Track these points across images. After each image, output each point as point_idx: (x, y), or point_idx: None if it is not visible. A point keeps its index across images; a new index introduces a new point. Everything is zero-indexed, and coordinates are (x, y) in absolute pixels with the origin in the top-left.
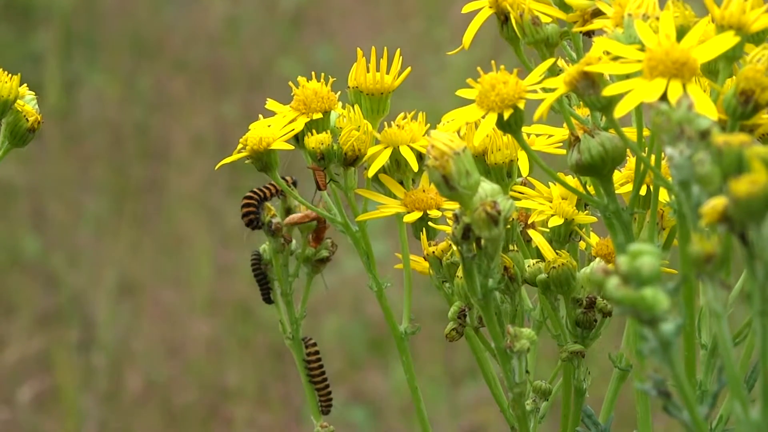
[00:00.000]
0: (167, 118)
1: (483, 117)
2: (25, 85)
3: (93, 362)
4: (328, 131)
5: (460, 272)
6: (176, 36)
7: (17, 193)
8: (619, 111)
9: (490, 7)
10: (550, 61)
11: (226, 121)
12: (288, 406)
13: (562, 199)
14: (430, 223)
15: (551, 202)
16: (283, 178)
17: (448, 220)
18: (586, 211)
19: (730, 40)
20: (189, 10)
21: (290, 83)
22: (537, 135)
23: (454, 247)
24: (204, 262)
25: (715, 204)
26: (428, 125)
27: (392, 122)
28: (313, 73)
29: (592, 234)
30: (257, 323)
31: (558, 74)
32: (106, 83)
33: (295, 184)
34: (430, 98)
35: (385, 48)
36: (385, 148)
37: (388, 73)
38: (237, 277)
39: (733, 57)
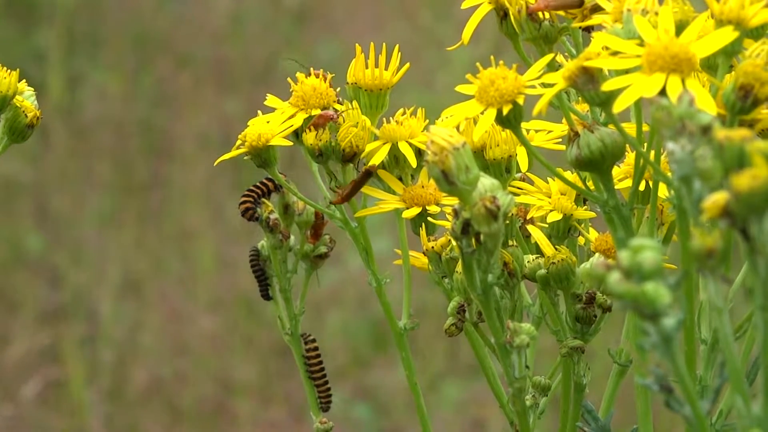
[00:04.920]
0: (171, 114)
1: (482, 113)
2: (24, 81)
3: (98, 359)
4: (327, 127)
5: (459, 267)
6: (180, 32)
7: (21, 190)
8: (618, 106)
9: (489, 3)
10: (549, 57)
11: (231, 118)
12: (293, 403)
13: (561, 194)
14: (429, 218)
15: (550, 197)
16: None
17: (447, 215)
18: (585, 207)
19: (729, 35)
20: (193, 6)
21: (289, 79)
22: (536, 131)
23: (454, 243)
24: (208, 258)
25: (717, 199)
26: (427, 121)
27: (391, 118)
28: (311, 69)
29: (591, 229)
30: (262, 319)
31: (557, 70)
32: (109, 80)
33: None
34: (435, 94)
35: (387, 44)
36: (384, 144)
37: (386, 69)
38: (241, 272)
39: (732, 52)
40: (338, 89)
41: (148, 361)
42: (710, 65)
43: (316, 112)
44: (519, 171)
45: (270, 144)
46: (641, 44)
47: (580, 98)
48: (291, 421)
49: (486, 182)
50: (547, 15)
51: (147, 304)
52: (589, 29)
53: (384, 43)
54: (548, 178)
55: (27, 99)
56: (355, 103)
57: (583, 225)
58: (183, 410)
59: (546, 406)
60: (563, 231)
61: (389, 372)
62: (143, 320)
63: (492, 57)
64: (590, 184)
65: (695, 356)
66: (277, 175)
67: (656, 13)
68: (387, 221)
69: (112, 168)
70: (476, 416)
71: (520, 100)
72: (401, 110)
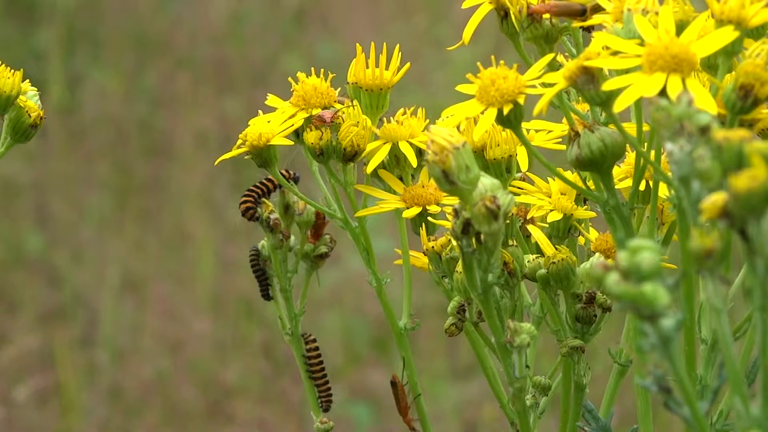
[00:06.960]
0: (171, 114)
1: (482, 112)
2: (28, 80)
3: (96, 359)
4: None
5: (459, 267)
6: (180, 33)
7: (21, 190)
8: (619, 106)
9: (490, 3)
10: (549, 57)
11: (230, 118)
12: (291, 403)
13: (561, 194)
14: (429, 218)
15: (550, 197)
16: (282, 173)
17: (447, 215)
18: (585, 207)
19: (729, 34)
20: (192, 7)
21: (290, 79)
22: (536, 130)
23: (454, 242)
24: (207, 258)
25: (716, 199)
26: (427, 121)
27: (392, 118)
28: (312, 68)
29: (591, 229)
30: (261, 319)
31: (557, 69)
32: (109, 80)
33: (296, 180)
34: (433, 94)
35: (386, 44)
36: (384, 143)
37: (387, 68)
38: (240, 273)
39: (732, 52)
40: (338, 89)
41: (147, 361)
42: (710, 65)
43: (317, 111)
44: (519, 171)
45: (271, 143)
46: (642, 44)
47: (580, 98)
48: (288, 421)
49: (486, 182)
50: (547, 15)
51: (146, 304)
52: (589, 29)
53: (385, 44)
54: (548, 178)
55: (30, 99)
56: (355, 101)
57: (583, 225)
58: (180, 411)
59: (546, 405)
60: (563, 231)
61: (387, 372)
62: (142, 321)
63: (492, 57)
64: (590, 183)
65: (695, 356)
66: (278, 174)
67: (656, 13)
68: (387, 221)
69: (111, 168)
70: (476, 416)
71: (521, 100)
72: (402, 110)
